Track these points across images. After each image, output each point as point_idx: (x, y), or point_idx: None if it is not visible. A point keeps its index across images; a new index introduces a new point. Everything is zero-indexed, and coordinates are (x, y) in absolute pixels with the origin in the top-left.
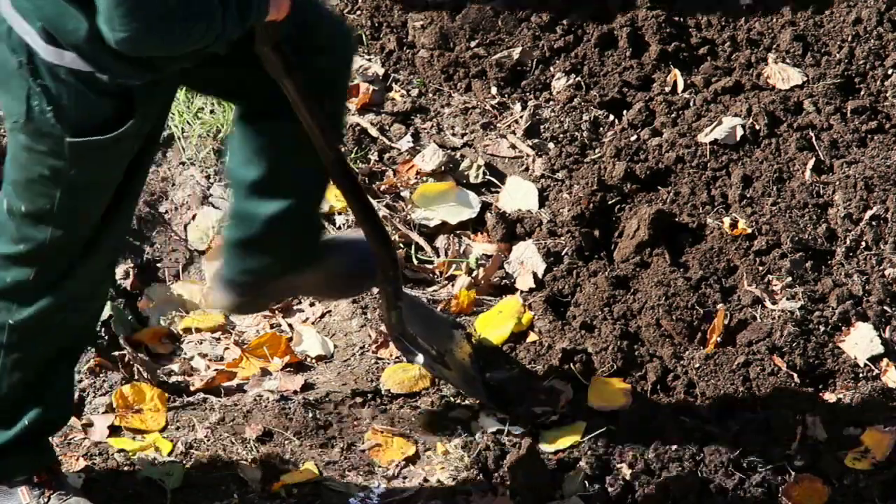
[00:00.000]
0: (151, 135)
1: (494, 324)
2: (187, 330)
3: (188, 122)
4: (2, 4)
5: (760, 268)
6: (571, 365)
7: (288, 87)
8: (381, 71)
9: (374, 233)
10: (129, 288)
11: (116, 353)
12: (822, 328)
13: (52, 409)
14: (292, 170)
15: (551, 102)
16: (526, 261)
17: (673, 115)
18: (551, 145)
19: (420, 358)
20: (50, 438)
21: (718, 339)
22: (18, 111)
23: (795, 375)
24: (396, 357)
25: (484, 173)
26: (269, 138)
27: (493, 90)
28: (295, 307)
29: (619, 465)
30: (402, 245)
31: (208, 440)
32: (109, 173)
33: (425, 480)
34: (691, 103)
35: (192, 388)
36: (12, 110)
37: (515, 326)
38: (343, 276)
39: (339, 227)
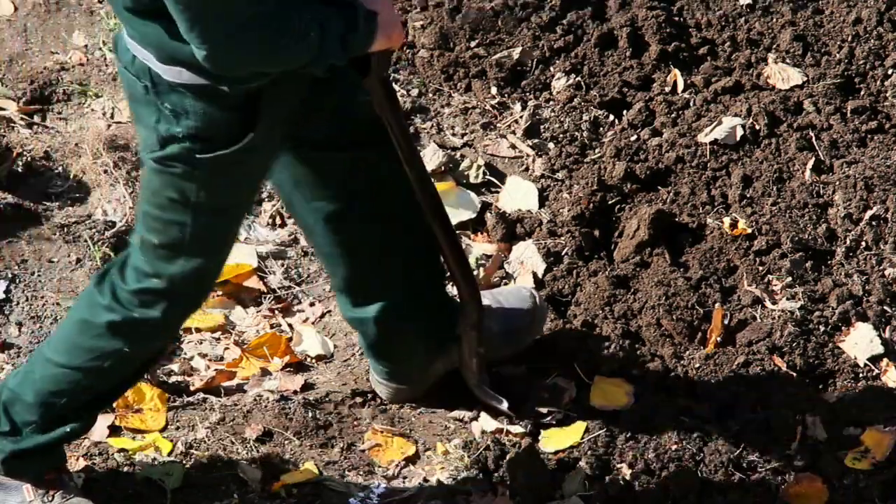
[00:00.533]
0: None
1: None
2: (187, 330)
3: None
4: (125, 34)
5: (760, 268)
6: (574, 364)
7: (392, 124)
8: None
9: (462, 277)
10: None
11: None
12: (822, 328)
13: (92, 422)
14: (390, 262)
15: (551, 102)
16: (526, 261)
17: (673, 115)
18: (551, 145)
19: (506, 404)
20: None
21: (718, 339)
22: (152, 139)
23: (795, 375)
24: None
25: (484, 173)
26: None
27: (493, 90)
28: (295, 307)
29: (619, 465)
30: None
31: (208, 440)
32: (238, 194)
33: (425, 480)
34: (691, 103)
35: (192, 388)
36: (147, 139)
37: None
38: (499, 335)
39: None
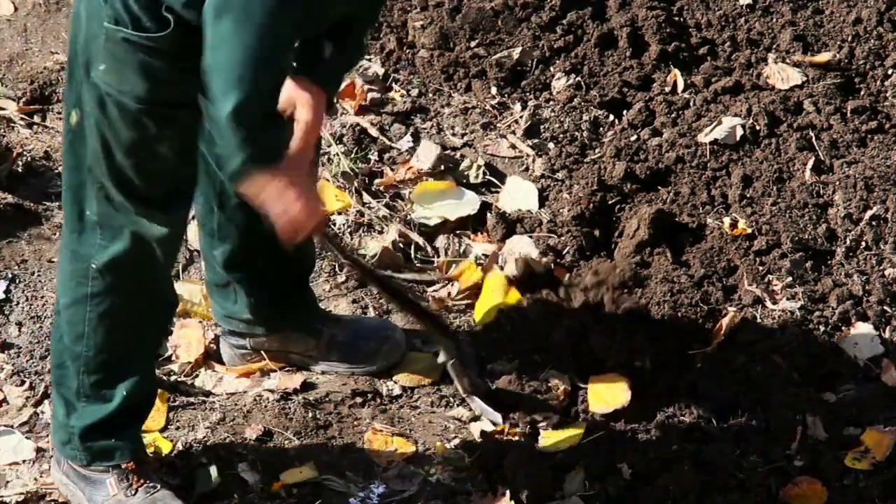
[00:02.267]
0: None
1: (486, 301)
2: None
3: None
4: None
5: (760, 268)
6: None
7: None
8: (381, 71)
9: (430, 325)
10: None
11: None
12: (822, 328)
13: (144, 379)
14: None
15: (551, 102)
16: (520, 252)
17: (673, 115)
18: (551, 145)
19: (499, 417)
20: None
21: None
22: None
23: (795, 375)
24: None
25: (484, 173)
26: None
27: (493, 90)
28: None
29: (619, 465)
30: (402, 245)
31: (208, 440)
32: (126, 89)
33: (425, 480)
34: (691, 103)
35: (192, 388)
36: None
37: (505, 298)
38: (342, 344)
39: (339, 227)
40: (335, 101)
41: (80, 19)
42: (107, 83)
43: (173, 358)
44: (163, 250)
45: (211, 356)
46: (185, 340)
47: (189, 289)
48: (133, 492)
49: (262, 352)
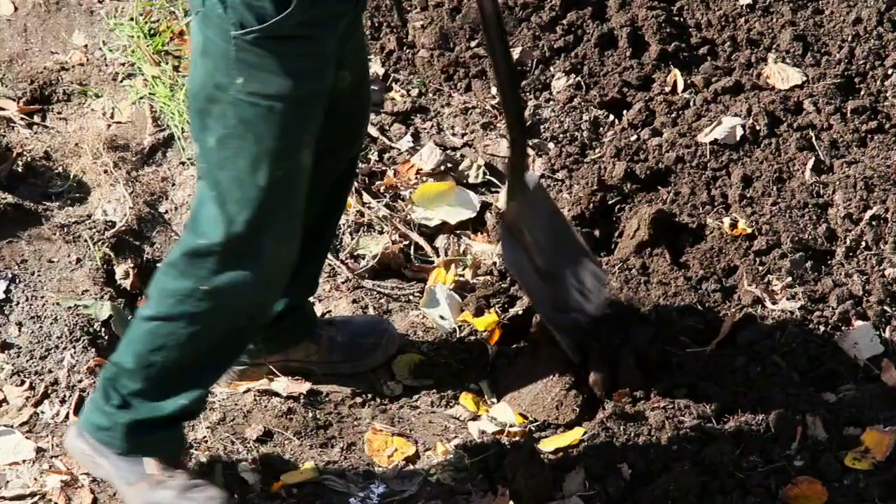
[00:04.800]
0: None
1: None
2: None
3: (188, 122)
4: None
5: (760, 268)
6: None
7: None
8: (381, 71)
9: (514, 106)
10: (128, 288)
11: None
12: (822, 328)
13: (208, 390)
14: None
15: (551, 102)
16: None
17: (673, 115)
18: (551, 145)
19: (508, 252)
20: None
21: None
22: (198, 1)
23: (795, 375)
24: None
25: (484, 173)
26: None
27: (493, 90)
28: None
29: (619, 465)
30: (401, 245)
31: (208, 440)
32: (273, 92)
33: (425, 480)
34: (691, 103)
35: None
36: (194, 3)
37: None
38: (342, 346)
39: (339, 227)
40: None
41: (202, 44)
42: (250, 93)
43: None
44: (282, 275)
45: None
46: None
47: None
48: (171, 475)
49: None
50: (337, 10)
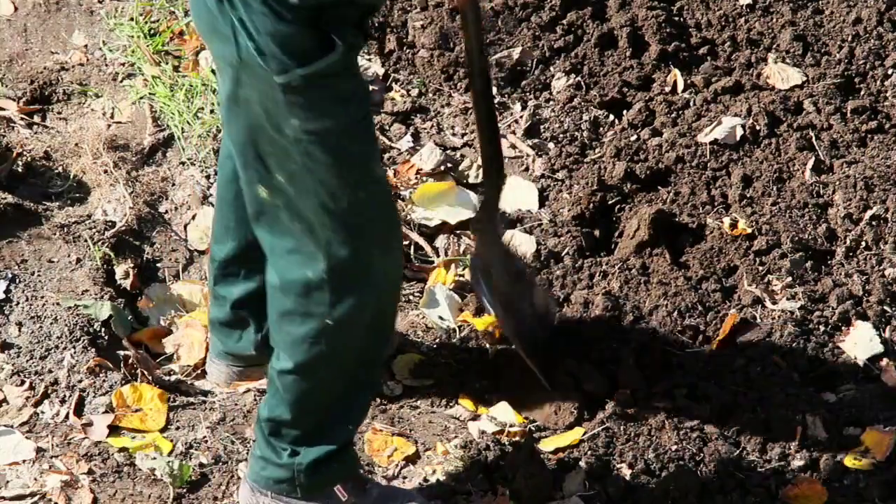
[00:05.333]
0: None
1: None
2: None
3: (188, 122)
4: None
5: (760, 268)
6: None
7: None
8: (381, 71)
9: (489, 132)
10: (129, 288)
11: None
12: (822, 328)
13: (370, 404)
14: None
15: (551, 102)
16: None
17: (673, 115)
18: (551, 145)
19: (486, 299)
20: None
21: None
22: (231, 53)
23: (795, 375)
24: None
25: None
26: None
27: (493, 90)
28: None
29: (619, 465)
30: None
31: (208, 440)
32: (329, 123)
33: (425, 480)
34: (691, 103)
35: (192, 388)
36: (226, 54)
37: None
38: None
39: None
40: None
41: (242, 94)
42: (308, 131)
43: (174, 358)
44: (396, 282)
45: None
46: (188, 341)
47: (189, 289)
48: (364, 491)
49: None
50: (361, 38)
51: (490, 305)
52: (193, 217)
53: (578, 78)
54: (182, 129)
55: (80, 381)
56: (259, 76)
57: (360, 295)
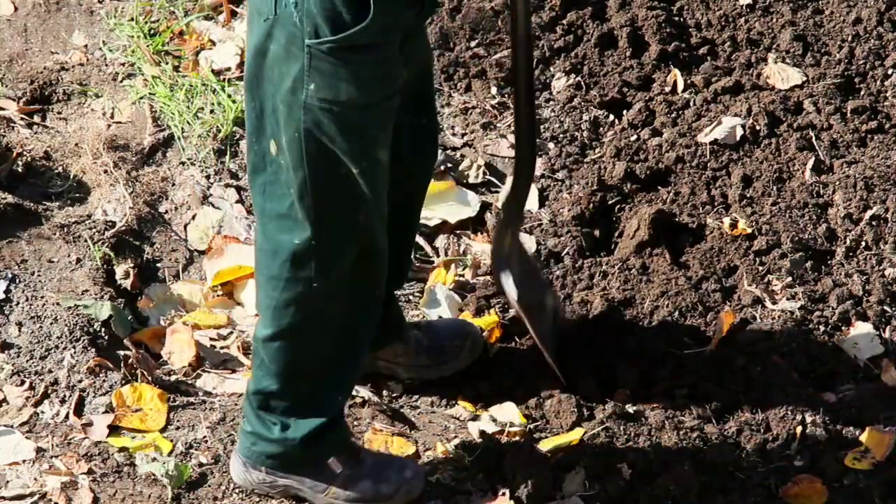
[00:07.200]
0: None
1: None
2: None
3: (188, 122)
4: None
5: (760, 268)
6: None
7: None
8: None
9: (527, 133)
10: (129, 288)
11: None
12: (822, 328)
13: (357, 374)
14: None
15: (551, 102)
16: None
17: (673, 115)
18: (551, 145)
19: (511, 287)
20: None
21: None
22: (269, 5)
23: (795, 375)
24: None
25: (484, 173)
26: None
27: (493, 90)
28: None
29: (619, 465)
30: None
31: (208, 440)
32: (344, 99)
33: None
34: (691, 103)
35: (191, 388)
36: (262, 6)
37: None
38: (427, 349)
39: None
40: None
41: (268, 49)
42: (322, 99)
43: (169, 363)
44: (381, 245)
45: (202, 359)
46: (178, 346)
47: (189, 289)
48: (357, 463)
49: None
50: (406, 16)
51: (516, 304)
52: (193, 217)
53: (578, 78)
54: (182, 129)
55: (80, 381)
56: (289, 34)
57: (346, 261)
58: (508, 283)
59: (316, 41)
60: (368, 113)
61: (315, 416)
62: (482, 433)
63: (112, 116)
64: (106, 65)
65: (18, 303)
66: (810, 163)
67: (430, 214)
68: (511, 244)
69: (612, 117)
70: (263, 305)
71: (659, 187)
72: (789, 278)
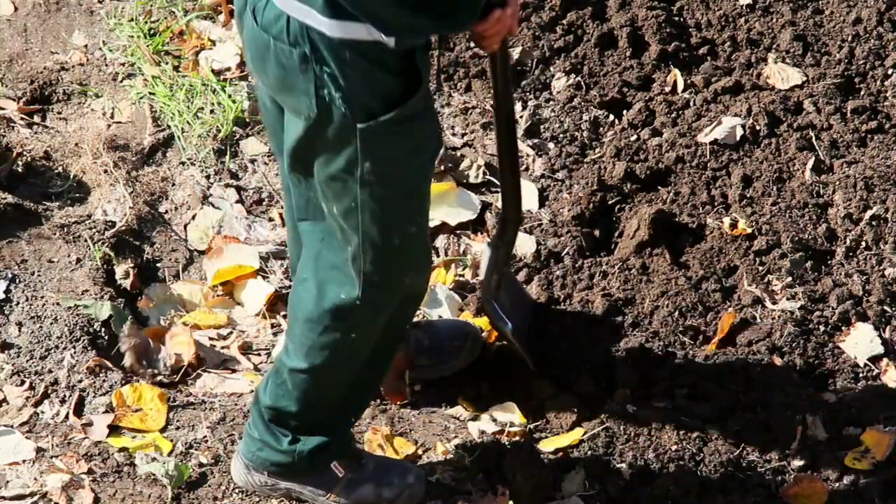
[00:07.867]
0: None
1: None
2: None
3: (188, 122)
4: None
5: (760, 268)
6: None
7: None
8: None
9: (512, 191)
10: (129, 288)
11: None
12: (822, 328)
13: (371, 398)
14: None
15: (551, 102)
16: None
17: (673, 115)
18: (551, 145)
19: (510, 326)
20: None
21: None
22: (308, 106)
23: (795, 375)
24: None
25: (484, 173)
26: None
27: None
28: None
29: (619, 465)
30: None
31: (208, 440)
32: (402, 167)
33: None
34: (691, 103)
35: (191, 388)
36: (301, 108)
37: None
38: (428, 350)
39: None
40: None
41: (318, 146)
42: (380, 174)
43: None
44: (420, 298)
45: (202, 360)
46: (178, 348)
47: (189, 289)
48: (359, 466)
49: None
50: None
51: (510, 335)
52: (193, 217)
53: (578, 78)
54: (182, 129)
55: (80, 381)
56: (336, 126)
57: (385, 315)
58: (499, 315)
59: (369, 123)
60: (424, 171)
61: (327, 435)
62: (482, 433)
63: (112, 116)
64: (106, 65)
65: (18, 303)
66: (810, 163)
67: (431, 215)
68: (499, 285)
69: (612, 117)
70: (298, 341)
71: (659, 187)
72: (789, 278)
